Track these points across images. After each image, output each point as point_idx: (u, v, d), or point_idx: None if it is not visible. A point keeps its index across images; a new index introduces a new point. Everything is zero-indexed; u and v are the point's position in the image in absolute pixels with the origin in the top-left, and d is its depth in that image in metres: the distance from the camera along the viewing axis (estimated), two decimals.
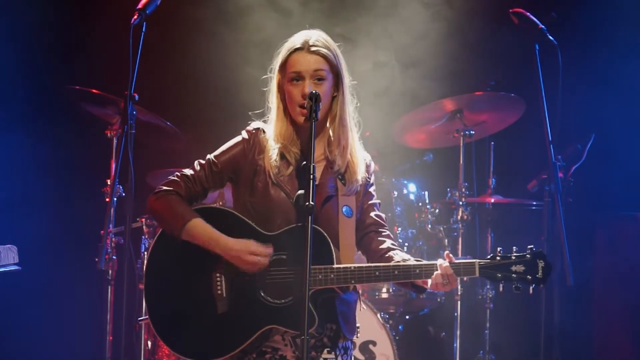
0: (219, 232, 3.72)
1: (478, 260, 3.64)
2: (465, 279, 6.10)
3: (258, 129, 3.87)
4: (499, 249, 3.65)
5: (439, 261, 3.65)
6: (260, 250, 3.68)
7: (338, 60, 3.80)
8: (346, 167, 3.83)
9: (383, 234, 3.88)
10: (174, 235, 3.76)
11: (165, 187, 3.82)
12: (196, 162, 3.88)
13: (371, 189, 3.92)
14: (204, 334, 3.73)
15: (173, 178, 3.85)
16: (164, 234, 3.82)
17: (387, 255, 3.78)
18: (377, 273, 3.63)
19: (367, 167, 3.92)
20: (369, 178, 3.90)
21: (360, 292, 3.95)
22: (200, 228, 3.73)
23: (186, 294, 3.76)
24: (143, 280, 3.89)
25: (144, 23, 4.27)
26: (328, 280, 3.63)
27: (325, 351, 3.78)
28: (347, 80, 3.83)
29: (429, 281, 3.67)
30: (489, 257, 3.65)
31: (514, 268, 3.61)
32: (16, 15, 6.54)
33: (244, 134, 3.88)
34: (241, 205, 3.83)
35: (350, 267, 3.63)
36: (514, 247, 3.65)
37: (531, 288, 3.61)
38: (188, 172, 3.86)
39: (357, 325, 3.90)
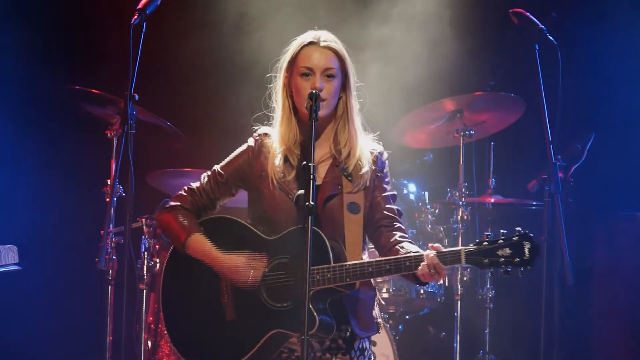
0: (213, 249, 3.77)
1: (464, 248, 3.56)
2: (465, 278, 6.17)
3: (264, 134, 3.91)
4: (486, 233, 3.58)
5: (426, 252, 3.60)
6: (251, 265, 3.71)
7: (347, 59, 3.83)
8: (352, 164, 3.82)
9: (394, 227, 3.83)
10: (178, 250, 3.83)
11: (171, 202, 3.91)
12: (204, 174, 3.95)
13: (383, 182, 3.88)
14: (216, 343, 3.77)
15: (180, 192, 3.93)
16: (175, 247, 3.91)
17: (394, 248, 3.76)
18: (370, 269, 3.61)
19: (376, 160, 3.88)
20: (379, 172, 3.87)
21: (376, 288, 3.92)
22: (197, 244, 3.80)
23: (198, 304, 3.82)
24: (160, 293, 3.93)
25: (144, 23, 4.28)
26: (326, 279, 3.62)
27: (339, 354, 3.79)
28: (353, 80, 3.85)
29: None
30: (475, 243, 3.57)
31: (500, 252, 3.52)
32: (16, 15, 6.53)
33: (250, 141, 3.92)
34: (253, 211, 3.89)
35: (345, 265, 3.63)
36: (502, 231, 3.57)
37: (520, 271, 3.52)
38: (195, 185, 3.94)
39: (378, 320, 3.86)
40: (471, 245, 3.57)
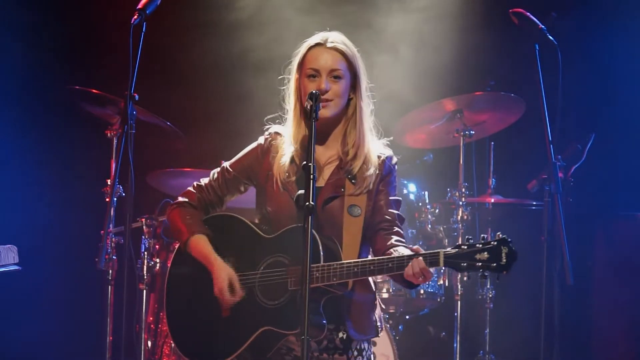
0: (210, 253, 3.81)
1: (443, 251, 3.57)
2: (465, 278, 6.17)
3: (275, 133, 3.92)
4: (467, 237, 3.60)
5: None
6: (228, 289, 3.75)
7: (356, 60, 3.83)
8: (357, 166, 3.82)
9: (392, 231, 3.83)
10: (180, 248, 3.88)
11: (180, 199, 3.95)
12: (213, 171, 3.98)
13: (388, 187, 3.86)
14: (211, 340, 3.80)
15: (189, 188, 3.97)
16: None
17: (387, 252, 3.75)
18: (355, 269, 3.62)
19: (383, 164, 3.86)
20: (384, 176, 3.85)
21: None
22: (196, 245, 3.84)
23: (198, 302, 3.85)
24: (165, 291, 3.96)
25: (144, 23, 4.28)
26: (314, 278, 3.62)
27: (336, 354, 3.80)
28: (364, 82, 3.85)
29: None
30: (454, 246, 3.58)
31: (478, 256, 3.53)
32: (16, 15, 6.54)
33: (260, 140, 3.94)
34: (259, 209, 3.91)
35: (332, 264, 3.63)
36: (483, 235, 3.59)
37: (497, 276, 3.53)
38: (203, 181, 3.97)
39: (377, 324, 3.86)
40: (451, 248, 3.59)
